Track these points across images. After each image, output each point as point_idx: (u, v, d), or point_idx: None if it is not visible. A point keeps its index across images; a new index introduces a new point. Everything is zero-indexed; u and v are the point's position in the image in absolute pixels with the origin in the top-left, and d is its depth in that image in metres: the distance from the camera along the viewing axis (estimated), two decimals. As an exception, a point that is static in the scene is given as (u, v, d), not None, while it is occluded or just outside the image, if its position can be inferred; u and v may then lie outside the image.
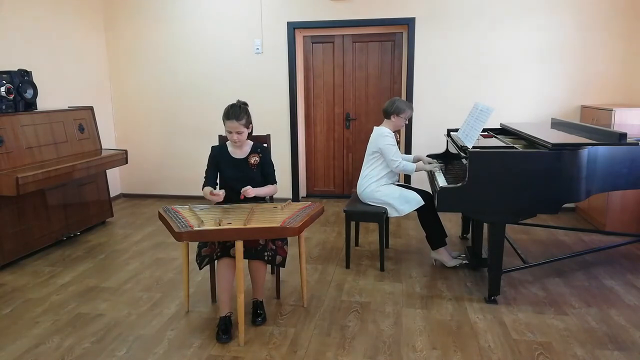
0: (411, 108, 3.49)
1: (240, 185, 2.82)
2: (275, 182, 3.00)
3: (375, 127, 3.53)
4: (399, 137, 3.57)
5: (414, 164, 3.42)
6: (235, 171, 2.88)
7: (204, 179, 2.93)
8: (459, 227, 4.32)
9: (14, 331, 2.69)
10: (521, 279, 3.24)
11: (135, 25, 5.32)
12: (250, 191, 2.74)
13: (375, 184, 3.45)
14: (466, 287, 3.15)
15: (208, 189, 2.81)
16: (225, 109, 2.78)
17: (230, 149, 2.91)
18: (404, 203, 3.36)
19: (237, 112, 2.75)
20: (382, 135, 3.39)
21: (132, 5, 5.28)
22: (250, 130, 2.89)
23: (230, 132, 2.78)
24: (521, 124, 3.95)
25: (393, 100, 3.47)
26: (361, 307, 2.91)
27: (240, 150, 2.91)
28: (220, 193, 2.70)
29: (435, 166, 3.42)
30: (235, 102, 2.82)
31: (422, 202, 3.33)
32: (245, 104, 2.84)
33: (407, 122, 3.54)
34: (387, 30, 5.07)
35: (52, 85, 4.56)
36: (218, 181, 2.94)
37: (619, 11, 4.51)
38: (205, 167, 2.94)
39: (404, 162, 3.38)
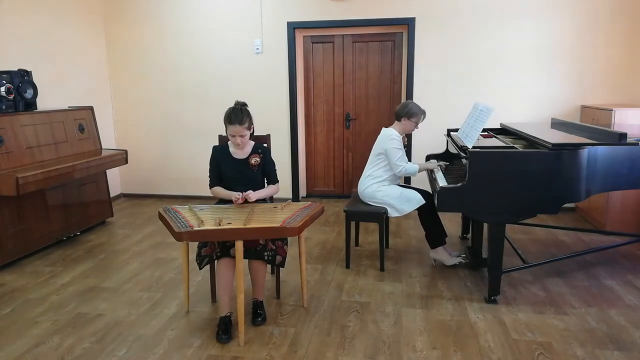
0: (423, 113, 3.45)
1: (240, 185, 2.83)
2: (277, 182, 3.01)
3: (383, 128, 3.51)
4: (405, 141, 3.55)
5: (417, 165, 3.42)
6: (235, 172, 2.89)
7: (209, 179, 2.95)
8: (459, 227, 4.32)
9: (14, 331, 2.69)
10: (521, 279, 3.24)
11: (135, 25, 5.31)
12: (252, 196, 2.75)
13: (376, 184, 3.45)
14: (466, 287, 3.15)
15: (220, 189, 2.89)
16: (227, 112, 2.77)
17: (231, 149, 2.92)
18: (405, 202, 3.36)
19: (240, 115, 2.74)
20: (390, 138, 3.38)
21: (132, 6, 5.28)
22: (252, 132, 2.89)
23: (233, 136, 2.78)
24: (521, 124, 3.95)
25: (406, 103, 3.45)
26: (361, 307, 2.91)
27: (241, 150, 2.91)
28: (240, 197, 2.74)
29: (439, 164, 3.43)
30: (234, 104, 2.81)
31: (424, 201, 3.33)
32: (245, 105, 2.83)
33: (417, 127, 3.51)
34: (387, 30, 5.07)
35: (52, 85, 4.56)
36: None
37: (619, 11, 4.51)
38: (208, 167, 2.95)
39: (407, 166, 3.37)
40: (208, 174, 2.97)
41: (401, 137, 3.44)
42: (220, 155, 2.91)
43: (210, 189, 2.95)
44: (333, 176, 5.56)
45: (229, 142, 2.93)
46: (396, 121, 3.49)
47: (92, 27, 5.18)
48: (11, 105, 3.76)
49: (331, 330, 2.64)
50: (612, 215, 4.12)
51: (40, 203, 3.90)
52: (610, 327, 2.62)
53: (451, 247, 3.73)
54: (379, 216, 3.39)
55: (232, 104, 2.83)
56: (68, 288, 3.25)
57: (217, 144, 3.08)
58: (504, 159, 2.73)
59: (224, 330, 2.55)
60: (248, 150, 2.92)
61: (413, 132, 4.98)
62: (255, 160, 2.90)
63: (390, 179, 3.48)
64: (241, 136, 2.78)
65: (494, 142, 3.31)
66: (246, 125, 2.76)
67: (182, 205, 2.85)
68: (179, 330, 2.67)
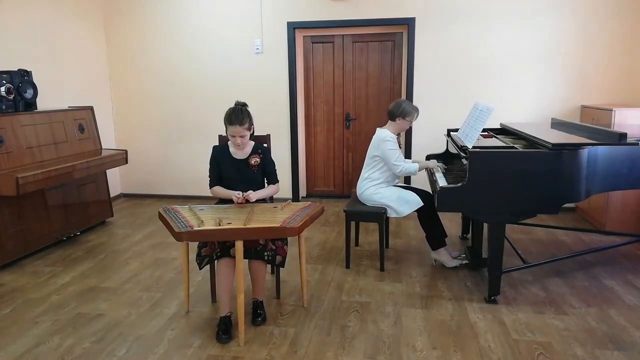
0: (417, 111, 3.43)
1: (240, 185, 2.83)
2: (277, 181, 3.00)
3: (377, 129, 3.48)
4: (401, 141, 3.53)
5: (416, 163, 3.41)
6: (235, 172, 2.89)
7: (209, 179, 2.95)
8: (459, 227, 4.32)
9: (14, 331, 2.69)
10: (521, 279, 3.24)
11: (135, 25, 5.31)
12: (252, 196, 2.75)
13: (374, 187, 3.44)
14: (466, 287, 3.15)
15: (220, 189, 2.89)
16: (227, 113, 2.77)
17: (231, 149, 2.92)
18: (403, 204, 3.35)
19: (240, 116, 2.74)
20: (384, 140, 3.35)
21: (132, 5, 5.28)
22: (252, 132, 2.89)
23: (233, 136, 2.78)
24: (521, 124, 3.95)
25: (399, 103, 3.40)
26: (361, 307, 2.91)
27: (241, 151, 2.91)
28: (240, 196, 2.74)
29: (438, 165, 3.42)
30: (235, 105, 2.81)
31: (422, 203, 3.32)
32: (245, 105, 2.83)
33: (411, 124, 3.50)
34: (387, 30, 5.07)
35: (52, 85, 4.56)
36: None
37: (619, 11, 4.51)
38: (208, 167, 2.95)
39: (406, 165, 3.36)
40: (208, 174, 2.97)
41: (396, 137, 3.42)
42: (220, 155, 2.91)
43: (210, 188, 2.95)
44: (333, 176, 5.56)
45: (229, 142, 2.93)
46: (390, 121, 3.44)
47: (92, 27, 5.18)
48: (11, 105, 3.75)
49: (331, 330, 2.64)
50: (612, 215, 4.12)
51: (40, 203, 3.90)
52: (610, 327, 2.62)
53: (451, 247, 3.73)
54: (379, 216, 3.39)
55: (232, 104, 2.84)
56: (68, 288, 3.25)
57: (217, 144, 3.09)
58: (504, 159, 2.73)
59: (224, 330, 2.55)
60: (248, 151, 2.92)
61: (413, 132, 5.03)
62: (255, 160, 2.90)
63: (388, 180, 3.47)
64: (241, 137, 2.77)
65: (494, 142, 3.31)
66: (246, 125, 2.76)
67: (182, 205, 2.85)
68: (179, 330, 2.67)
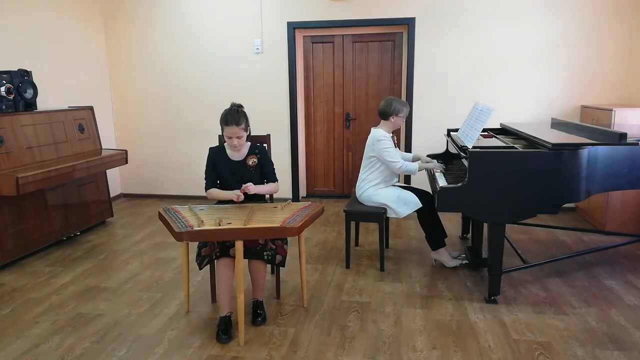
0: (407, 105, 3.42)
1: (238, 187, 2.81)
2: (277, 180, 2.98)
3: (372, 129, 3.47)
4: (396, 140, 3.52)
5: (416, 163, 3.40)
6: (233, 173, 2.86)
7: (205, 181, 2.91)
8: (459, 227, 4.32)
9: (14, 331, 2.69)
10: (521, 279, 3.24)
11: (135, 25, 5.32)
12: (251, 188, 2.72)
13: (373, 188, 3.43)
14: (466, 287, 3.15)
15: (217, 191, 2.85)
16: (223, 114, 2.75)
17: (228, 151, 2.90)
18: (401, 205, 3.34)
19: (236, 117, 2.72)
20: (378, 140, 3.33)
21: (132, 5, 5.28)
22: (248, 133, 2.88)
23: (230, 138, 2.76)
24: (521, 124, 3.95)
25: (389, 101, 3.38)
26: (361, 307, 2.91)
27: (238, 152, 2.89)
28: (240, 194, 2.71)
29: (437, 165, 3.42)
30: (230, 106, 2.79)
31: (420, 204, 3.31)
32: (241, 106, 2.81)
33: (404, 120, 3.50)
34: (387, 30, 5.07)
35: (52, 85, 4.56)
36: (218, 182, 2.94)
37: (619, 11, 4.51)
38: (205, 169, 2.93)
39: (406, 163, 3.35)
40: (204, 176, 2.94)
41: (390, 135, 3.40)
42: (218, 157, 2.89)
43: (206, 191, 2.88)
44: (333, 176, 5.56)
45: (225, 144, 2.91)
46: (383, 120, 3.42)
47: (92, 27, 5.18)
48: (11, 105, 3.75)
49: (331, 330, 2.64)
50: (612, 215, 4.12)
51: (40, 203, 3.90)
52: (610, 327, 2.62)
53: (451, 247, 3.73)
54: (379, 216, 3.38)
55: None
56: (68, 288, 3.25)
57: (217, 144, 3.08)
58: (504, 159, 2.73)
59: (224, 330, 2.55)
60: (245, 152, 2.90)
61: (413, 132, 5.03)
62: (252, 161, 2.89)
63: (386, 180, 3.46)
64: (238, 137, 2.75)
65: (494, 142, 3.31)
66: (243, 126, 2.75)
67: (182, 205, 2.85)
68: (179, 330, 2.67)
